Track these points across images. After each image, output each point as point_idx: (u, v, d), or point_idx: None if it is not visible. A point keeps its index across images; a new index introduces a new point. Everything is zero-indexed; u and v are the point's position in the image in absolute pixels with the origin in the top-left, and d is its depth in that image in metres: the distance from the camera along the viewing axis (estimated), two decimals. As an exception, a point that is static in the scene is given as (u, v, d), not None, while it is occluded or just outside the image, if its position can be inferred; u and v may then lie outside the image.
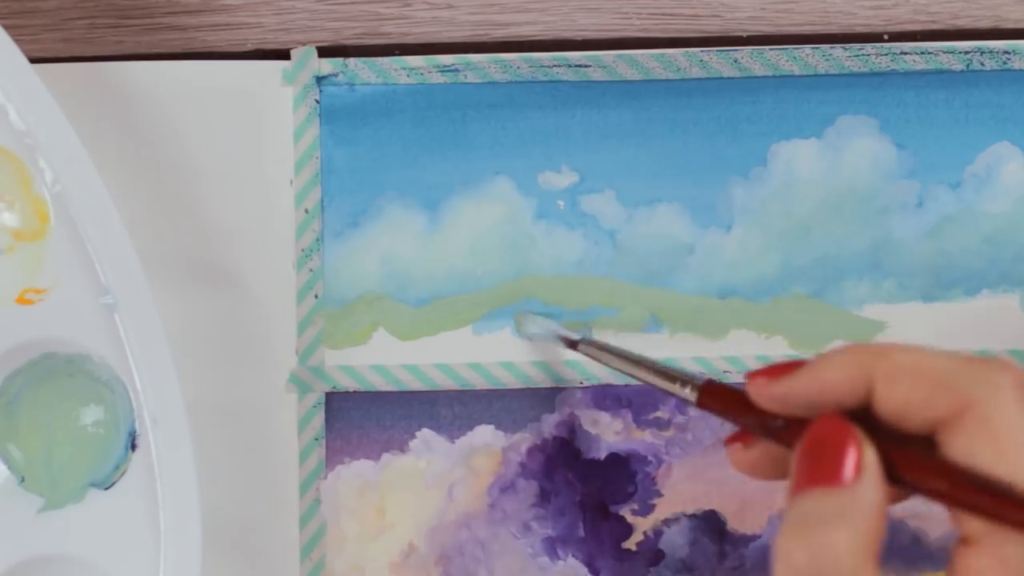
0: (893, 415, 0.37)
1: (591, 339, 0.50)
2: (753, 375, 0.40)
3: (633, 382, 0.52)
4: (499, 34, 0.53)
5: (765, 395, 0.40)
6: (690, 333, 0.52)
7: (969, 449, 0.36)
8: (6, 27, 0.48)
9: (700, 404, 0.43)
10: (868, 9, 0.53)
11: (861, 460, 0.37)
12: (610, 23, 0.54)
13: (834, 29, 0.53)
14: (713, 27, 0.53)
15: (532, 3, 0.54)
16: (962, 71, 0.52)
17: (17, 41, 0.48)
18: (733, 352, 0.52)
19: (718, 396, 0.42)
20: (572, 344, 0.50)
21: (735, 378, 0.52)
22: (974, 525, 0.36)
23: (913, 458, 0.37)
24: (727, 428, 0.52)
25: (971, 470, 0.36)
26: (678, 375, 0.44)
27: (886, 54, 0.52)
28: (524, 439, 0.52)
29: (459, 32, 0.54)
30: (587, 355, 0.50)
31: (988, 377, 0.36)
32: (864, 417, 0.38)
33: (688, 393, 0.43)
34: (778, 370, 0.39)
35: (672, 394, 0.44)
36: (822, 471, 0.37)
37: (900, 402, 0.37)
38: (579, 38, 0.53)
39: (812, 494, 0.37)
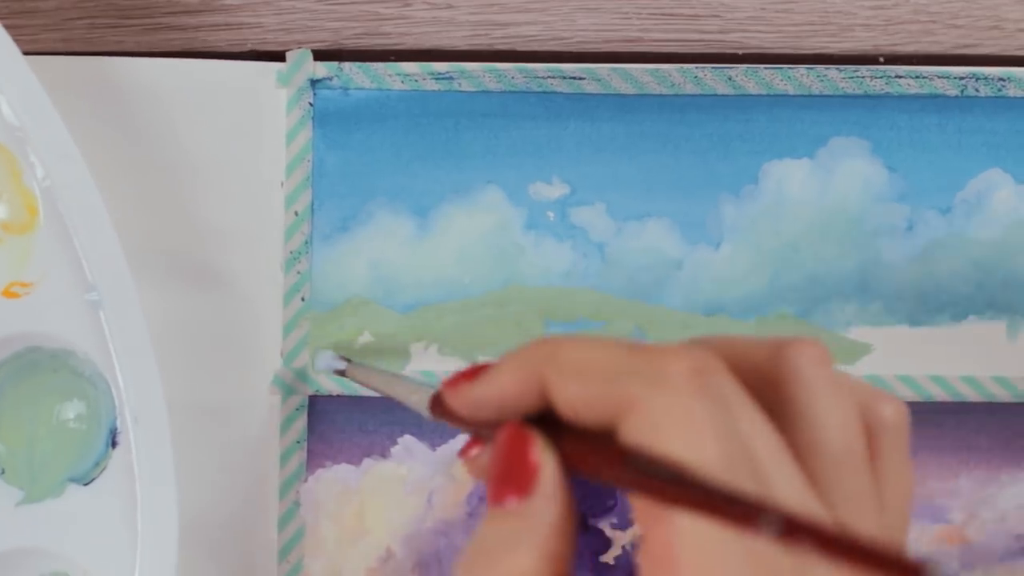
0: (569, 415, 0.35)
1: (354, 364, 0.50)
2: (447, 381, 0.38)
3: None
4: (499, 34, 0.54)
5: (459, 402, 0.38)
6: (676, 349, 0.52)
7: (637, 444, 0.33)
8: (6, 27, 0.48)
9: (431, 411, 0.41)
10: (868, 9, 0.53)
11: (535, 473, 0.35)
12: (610, 23, 0.54)
13: (833, 29, 0.53)
14: (713, 27, 0.53)
15: (532, 3, 0.54)
16: (956, 96, 0.52)
17: (17, 41, 0.48)
18: (718, 369, 0.52)
19: (443, 405, 0.40)
20: (341, 373, 0.50)
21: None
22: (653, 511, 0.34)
23: (596, 454, 0.35)
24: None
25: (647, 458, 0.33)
26: (414, 387, 0.43)
27: (881, 77, 0.52)
28: (505, 449, 0.52)
29: (459, 32, 0.54)
30: (358, 381, 0.49)
31: (654, 371, 0.33)
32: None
33: (421, 402, 0.41)
34: (467, 375, 0.37)
35: (410, 407, 0.42)
36: (500, 488, 0.35)
37: (570, 402, 0.35)
38: (578, 38, 0.53)
39: (492, 514, 0.35)
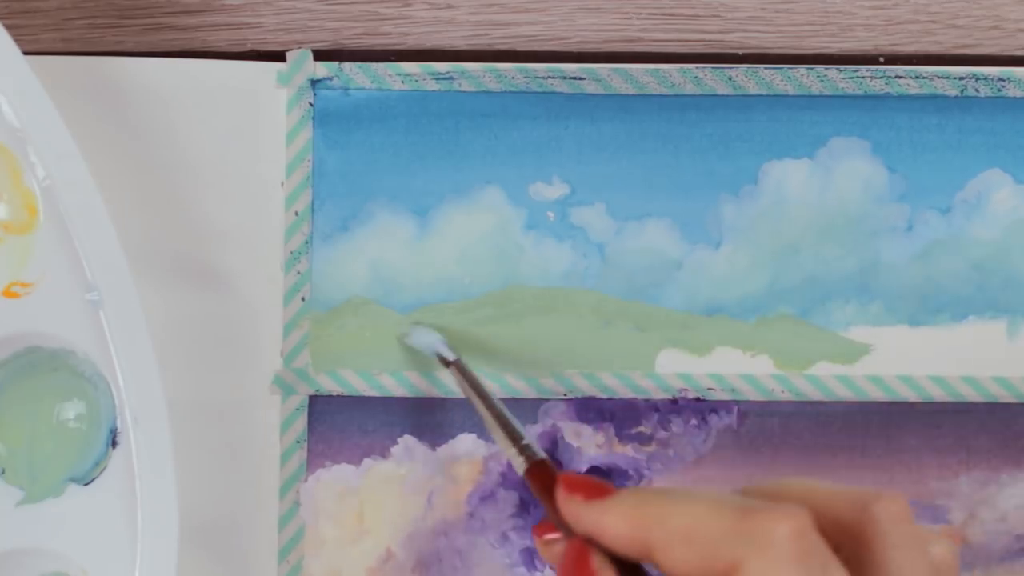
0: (671, 572, 0.37)
1: (463, 365, 0.50)
2: (568, 480, 0.40)
3: (617, 396, 0.52)
4: (499, 34, 0.54)
5: (565, 507, 0.40)
6: (675, 349, 0.52)
7: None
8: (6, 27, 0.48)
9: (527, 477, 0.43)
10: (868, 9, 0.53)
11: None
12: (610, 23, 0.54)
13: (833, 29, 0.53)
14: (713, 27, 0.53)
15: (532, 3, 0.54)
16: (956, 97, 0.52)
17: (17, 41, 0.48)
18: (718, 369, 0.52)
19: (541, 480, 0.42)
20: (446, 363, 0.50)
21: (720, 395, 0.52)
22: None
23: None
24: (709, 445, 0.52)
25: None
26: (520, 441, 0.44)
27: (881, 77, 0.52)
28: (506, 449, 0.52)
29: (459, 32, 0.54)
30: (455, 378, 0.49)
31: (760, 536, 0.36)
32: None
33: (520, 462, 0.43)
34: (587, 490, 0.39)
35: (506, 453, 0.44)
36: None
37: (676, 564, 0.37)
38: (578, 38, 0.53)
39: None
